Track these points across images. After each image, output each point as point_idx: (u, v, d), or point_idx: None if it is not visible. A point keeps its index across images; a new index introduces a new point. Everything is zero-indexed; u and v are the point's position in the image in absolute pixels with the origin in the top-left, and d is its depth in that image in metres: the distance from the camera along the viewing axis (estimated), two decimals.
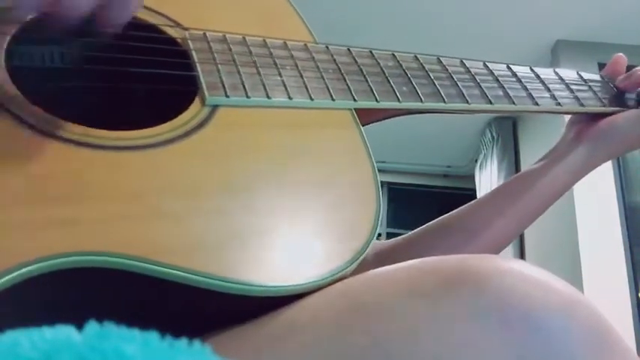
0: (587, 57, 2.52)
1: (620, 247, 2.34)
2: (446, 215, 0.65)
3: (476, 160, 3.54)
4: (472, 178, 3.57)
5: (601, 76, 0.68)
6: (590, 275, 2.28)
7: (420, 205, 3.78)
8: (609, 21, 2.52)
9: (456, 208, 0.66)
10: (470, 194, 3.46)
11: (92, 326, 0.25)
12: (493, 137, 3.28)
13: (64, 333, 0.24)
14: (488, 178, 3.26)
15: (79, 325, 0.25)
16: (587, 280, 2.26)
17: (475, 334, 0.30)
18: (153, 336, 0.25)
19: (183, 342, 0.25)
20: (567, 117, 0.69)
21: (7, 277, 0.31)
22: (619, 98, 0.66)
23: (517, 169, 3.12)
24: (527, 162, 3.02)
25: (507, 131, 3.23)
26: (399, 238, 0.67)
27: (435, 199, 3.81)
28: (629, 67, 0.70)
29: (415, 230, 0.66)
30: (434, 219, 0.66)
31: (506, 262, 0.33)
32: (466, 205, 0.66)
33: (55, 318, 0.26)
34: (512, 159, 3.15)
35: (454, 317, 0.31)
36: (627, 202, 2.42)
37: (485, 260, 0.34)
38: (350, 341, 0.32)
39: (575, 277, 2.26)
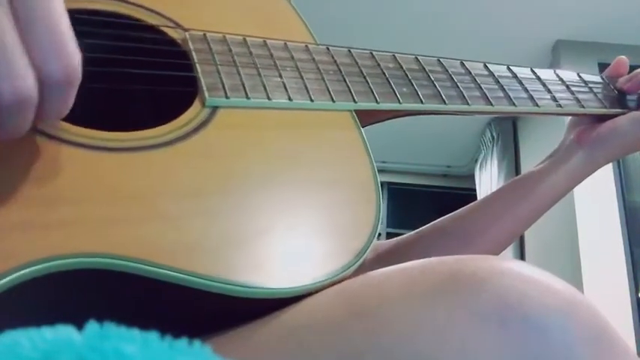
0: (587, 57, 2.53)
1: (620, 247, 2.34)
2: (444, 217, 0.65)
3: (476, 160, 3.54)
4: (472, 178, 3.57)
5: (602, 78, 0.68)
6: (590, 275, 2.28)
7: (419, 205, 3.78)
8: (609, 21, 2.52)
9: (455, 208, 0.66)
10: (470, 194, 3.46)
11: (92, 326, 0.24)
12: (493, 137, 3.28)
13: (64, 333, 0.24)
14: (488, 178, 3.26)
15: (79, 326, 0.25)
16: (587, 280, 2.26)
17: (474, 335, 0.30)
18: (153, 336, 0.25)
19: (183, 342, 0.25)
20: (568, 117, 0.69)
21: (7, 279, 0.31)
22: (620, 100, 0.66)
23: (517, 169, 3.12)
24: (527, 162, 3.02)
25: (507, 131, 3.23)
26: (398, 238, 0.66)
27: (434, 199, 3.81)
28: (631, 68, 0.70)
29: (413, 232, 0.66)
30: (434, 219, 0.66)
31: (504, 262, 0.33)
32: (464, 207, 0.66)
33: (55, 318, 0.26)
34: (512, 159, 3.15)
35: (453, 318, 0.31)
36: (627, 202, 2.42)
37: (484, 261, 0.33)
38: (349, 343, 0.32)
39: (575, 277, 2.26)
